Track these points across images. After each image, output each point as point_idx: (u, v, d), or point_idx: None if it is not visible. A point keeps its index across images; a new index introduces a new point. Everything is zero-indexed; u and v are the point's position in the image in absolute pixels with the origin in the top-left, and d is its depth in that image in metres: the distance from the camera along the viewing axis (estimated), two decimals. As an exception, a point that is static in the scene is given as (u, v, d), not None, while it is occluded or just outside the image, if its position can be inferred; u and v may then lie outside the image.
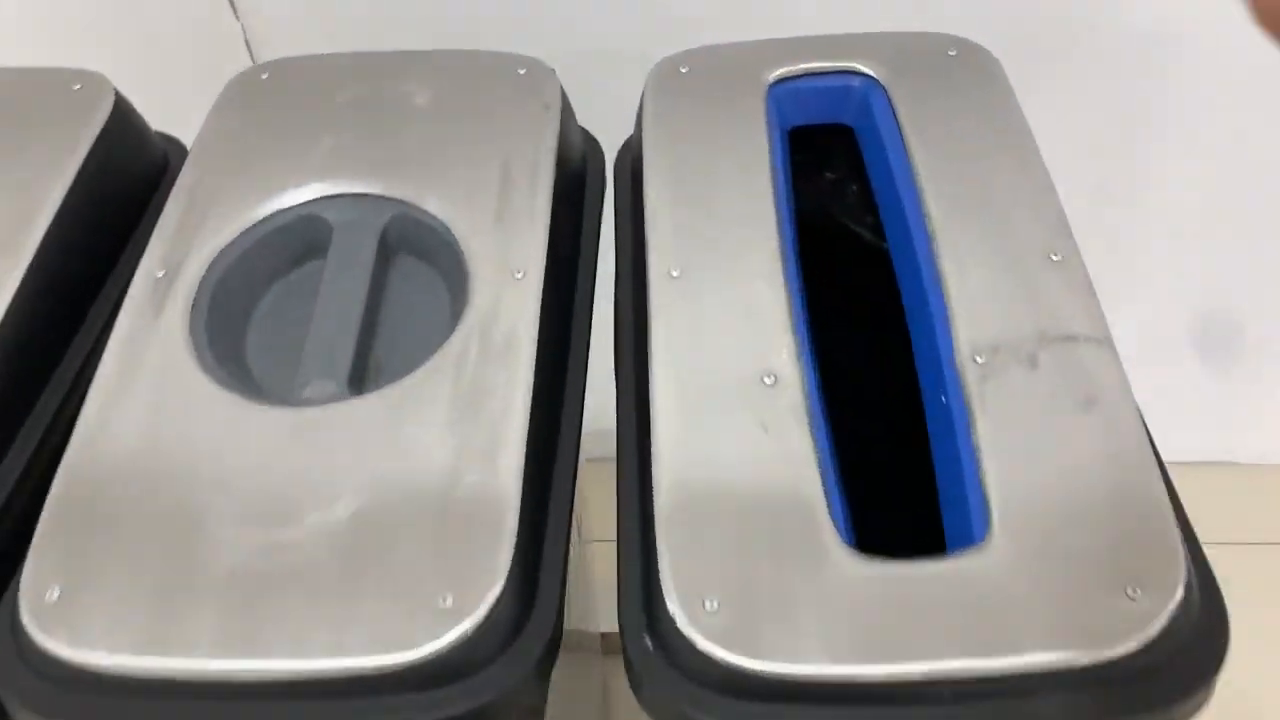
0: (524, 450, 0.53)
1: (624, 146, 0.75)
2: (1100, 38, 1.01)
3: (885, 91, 0.70)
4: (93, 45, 1.06)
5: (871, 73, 0.71)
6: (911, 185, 0.64)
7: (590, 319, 0.66)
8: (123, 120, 0.74)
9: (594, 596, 1.10)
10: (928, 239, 0.61)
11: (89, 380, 0.58)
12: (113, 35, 1.06)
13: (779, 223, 0.63)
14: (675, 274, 0.60)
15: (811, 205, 0.76)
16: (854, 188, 0.76)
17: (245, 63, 1.08)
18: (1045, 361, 0.55)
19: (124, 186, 0.74)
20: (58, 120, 0.71)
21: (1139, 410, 0.54)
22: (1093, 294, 0.58)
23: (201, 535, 0.51)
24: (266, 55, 1.07)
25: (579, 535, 0.93)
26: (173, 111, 1.04)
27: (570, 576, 0.56)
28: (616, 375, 0.60)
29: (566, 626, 0.60)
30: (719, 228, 0.62)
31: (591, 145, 0.78)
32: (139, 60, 1.08)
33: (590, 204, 0.75)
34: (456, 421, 0.54)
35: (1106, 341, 0.56)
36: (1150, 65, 1.03)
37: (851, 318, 0.76)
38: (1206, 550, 0.51)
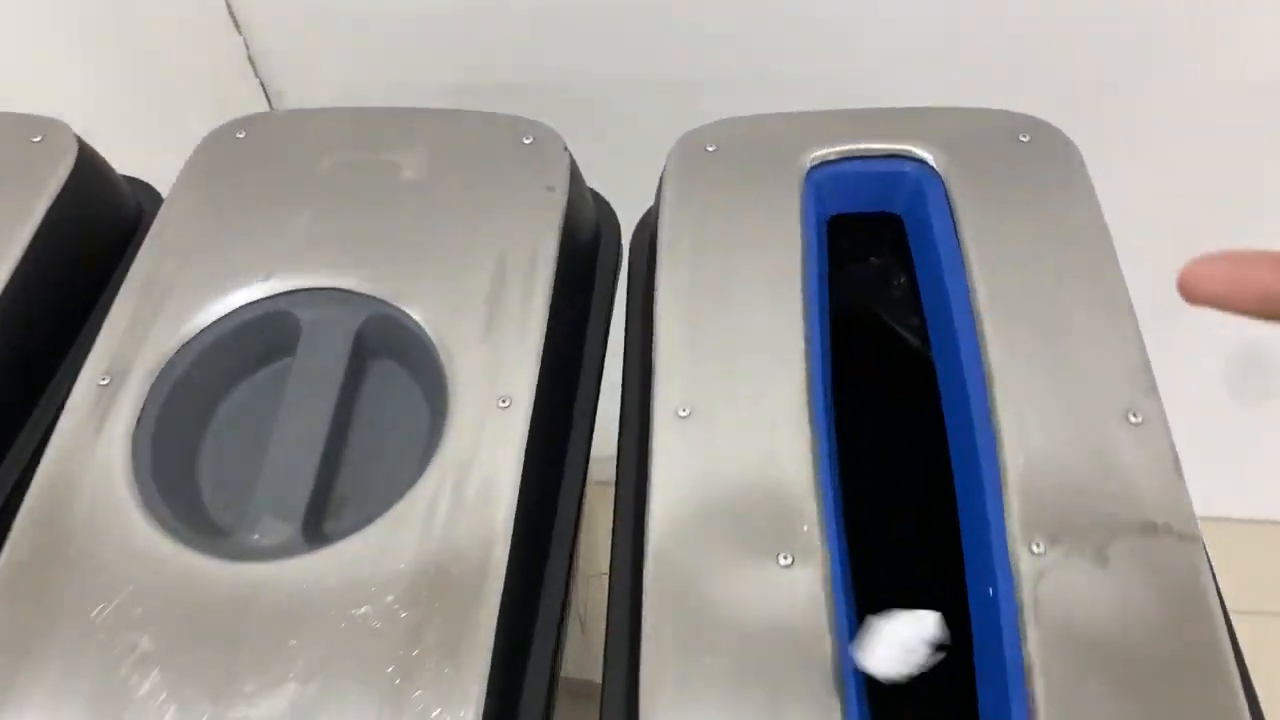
0: (491, 646, 0.45)
1: (641, 223, 0.67)
2: (1201, 107, 0.89)
3: (942, 182, 0.60)
4: (92, 63, 0.99)
5: (927, 157, 0.61)
6: (967, 307, 0.55)
7: (588, 448, 0.59)
8: (87, 175, 0.67)
9: (593, 642, 1.03)
10: (983, 382, 0.52)
11: (20, 501, 0.52)
12: (111, 49, 0.98)
13: (809, 347, 0.54)
14: (684, 413, 0.52)
15: (850, 295, 0.67)
16: (901, 280, 0.67)
17: (248, 76, 1.00)
18: (1117, 557, 0.46)
19: (88, 249, 0.67)
20: (13, 178, 0.64)
21: (1230, 628, 0.45)
22: (1178, 471, 0.48)
23: (119, 724, 0.45)
24: (270, 69, 0.99)
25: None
26: (170, 131, 0.97)
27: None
28: (613, 535, 0.52)
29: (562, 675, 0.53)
30: (739, 352, 0.54)
31: (605, 216, 0.69)
32: (137, 75, 1.01)
33: (600, 290, 0.66)
34: (417, 597, 0.47)
35: (1193, 536, 0.46)
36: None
37: (887, 424, 0.68)
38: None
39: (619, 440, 0.56)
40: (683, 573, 0.47)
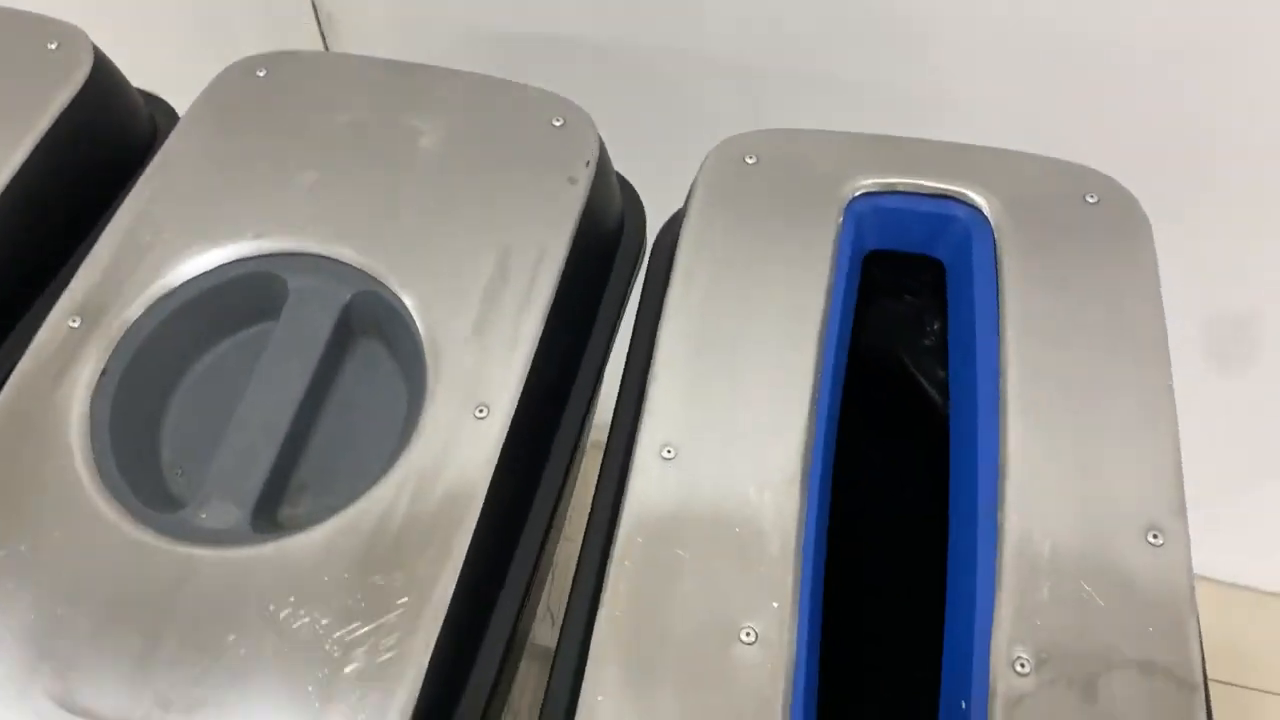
0: (422, 681, 0.42)
1: (668, 224, 0.62)
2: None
3: (993, 234, 0.55)
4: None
5: (982, 204, 0.56)
6: (994, 382, 0.50)
7: (572, 457, 0.55)
8: (101, 89, 0.63)
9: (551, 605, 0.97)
10: (996, 471, 0.48)
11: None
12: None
13: (817, 399, 0.50)
14: (668, 454, 0.48)
15: (878, 334, 0.63)
16: (935, 326, 0.62)
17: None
18: (1107, 692, 0.42)
19: (92, 167, 0.64)
20: (23, 85, 0.61)
21: (1215, 794, 0.41)
22: (1193, 605, 0.44)
23: (29, 700, 0.43)
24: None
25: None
26: (214, 42, 0.94)
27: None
28: (574, 578, 0.49)
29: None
30: (741, 397, 0.50)
31: (632, 207, 0.65)
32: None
33: (614, 286, 0.62)
34: (355, 612, 0.44)
35: (1194, 685, 0.42)
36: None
37: (895, 479, 0.64)
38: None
39: (601, 466, 0.52)
40: (636, 635, 0.43)
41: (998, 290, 0.54)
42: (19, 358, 0.52)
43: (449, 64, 0.64)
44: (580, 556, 0.49)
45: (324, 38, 0.99)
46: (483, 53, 0.96)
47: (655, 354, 0.51)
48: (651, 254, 0.61)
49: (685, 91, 0.90)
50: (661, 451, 0.48)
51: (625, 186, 0.65)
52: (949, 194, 0.57)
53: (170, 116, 0.69)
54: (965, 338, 0.54)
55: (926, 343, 0.62)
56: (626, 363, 0.56)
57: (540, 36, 0.92)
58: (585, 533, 0.50)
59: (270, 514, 0.50)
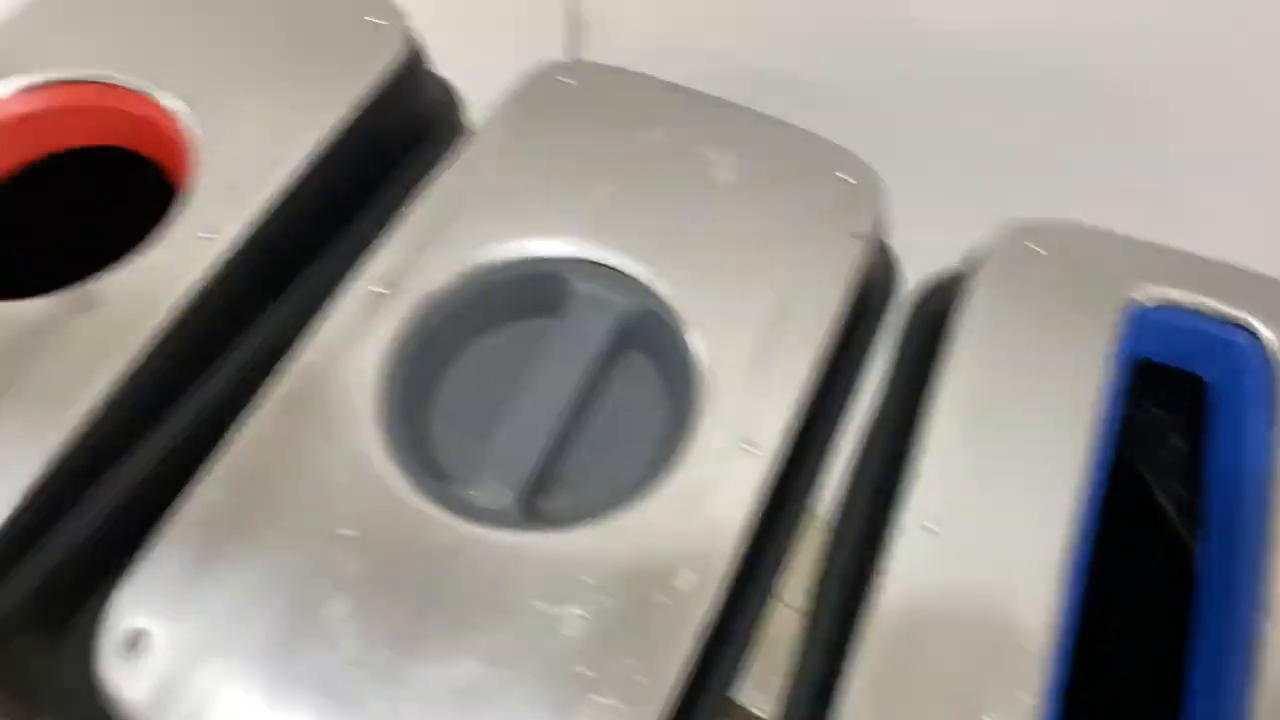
0: (667, 700, 0.44)
1: (931, 292, 0.63)
2: None
3: (1271, 366, 0.55)
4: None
5: (1267, 334, 0.56)
6: (1263, 514, 0.50)
7: (806, 502, 0.56)
8: (411, 67, 0.67)
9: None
10: (1257, 608, 0.47)
11: (263, 370, 0.53)
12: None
13: (1081, 499, 0.50)
14: (933, 527, 0.49)
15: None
16: (1176, 443, 0.62)
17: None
18: None
19: (389, 143, 0.67)
20: (338, 58, 0.64)
21: None
22: None
23: (299, 643, 0.45)
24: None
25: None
26: (465, 29, 0.97)
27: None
28: (807, 637, 0.50)
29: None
30: (1009, 482, 0.50)
31: (890, 269, 0.66)
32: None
33: (862, 341, 0.63)
34: (614, 620, 0.46)
35: None
36: None
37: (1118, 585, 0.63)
38: None
39: (837, 529, 0.53)
40: (885, 707, 0.44)
41: (1270, 427, 0.53)
42: (307, 317, 0.55)
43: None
44: (814, 616, 0.50)
45: (572, 44, 1.02)
46: (728, 83, 0.98)
47: (928, 424, 0.51)
48: (911, 320, 0.62)
49: (922, 159, 0.90)
50: (926, 523, 0.49)
51: (885, 250, 0.66)
52: (1229, 318, 0.56)
53: (448, 91, 0.72)
54: (1231, 463, 0.53)
55: (1164, 457, 0.62)
56: (874, 426, 0.57)
57: (789, 81, 0.93)
58: (817, 593, 0.51)
59: (533, 503, 0.52)
